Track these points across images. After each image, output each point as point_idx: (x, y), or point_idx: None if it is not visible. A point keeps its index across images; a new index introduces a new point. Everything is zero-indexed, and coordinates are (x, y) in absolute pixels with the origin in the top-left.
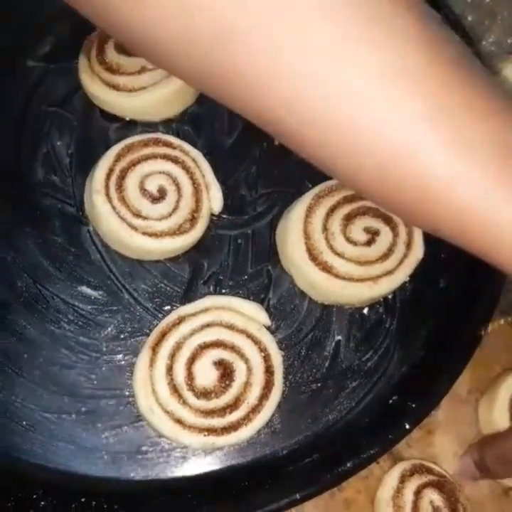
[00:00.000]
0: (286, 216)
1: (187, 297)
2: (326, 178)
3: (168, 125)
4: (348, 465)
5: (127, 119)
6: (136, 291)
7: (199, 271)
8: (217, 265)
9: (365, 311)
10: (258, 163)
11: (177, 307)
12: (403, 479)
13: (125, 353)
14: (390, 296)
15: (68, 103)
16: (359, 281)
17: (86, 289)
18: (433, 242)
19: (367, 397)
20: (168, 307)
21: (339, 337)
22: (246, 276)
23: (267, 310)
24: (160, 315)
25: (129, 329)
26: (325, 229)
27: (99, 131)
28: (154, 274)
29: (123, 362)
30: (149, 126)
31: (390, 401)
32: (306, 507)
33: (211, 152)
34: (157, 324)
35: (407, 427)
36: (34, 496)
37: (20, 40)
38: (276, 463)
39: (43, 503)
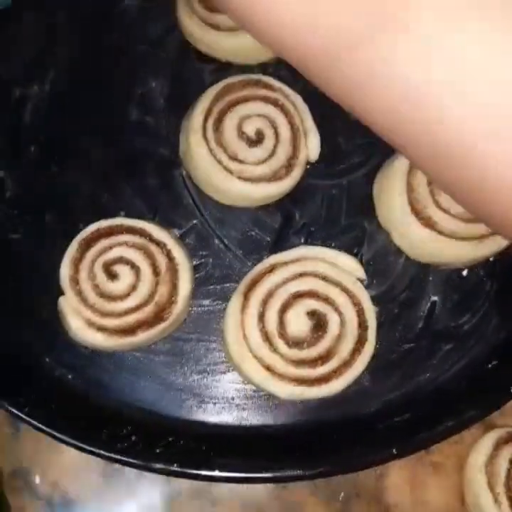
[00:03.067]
0: (387, 166)
1: (277, 247)
2: None
3: (265, 69)
4: (447, 424)
5: (223, 60)
6: (226, 238)
7: (290, 221)
8: (309, 216)
9: (464, 272)
10: None
11: (267, 256)
12: (498, 446)
13: (214, 299)
14: (491, 259)
15: (164, 43)
16: (464, 240)
17: (177, 232)
18: None
19: (462, 361)
20: (257, 255)
21: (435, 297)
22: (339, 229)
23: (361, 265)
24: (249, 263)
25: (218, 275)
26: (431, 182)
27: (193, 71)
28: (245, 222)
29: (212, 307)
30: (245, 70)
31: (488, 365)
32: (391, 468)
33: (309, 97)
34: (246, 272)
35: (511, 391)
36: (124, 431)
37: None
38: (367, 419)
39: (133, 437)
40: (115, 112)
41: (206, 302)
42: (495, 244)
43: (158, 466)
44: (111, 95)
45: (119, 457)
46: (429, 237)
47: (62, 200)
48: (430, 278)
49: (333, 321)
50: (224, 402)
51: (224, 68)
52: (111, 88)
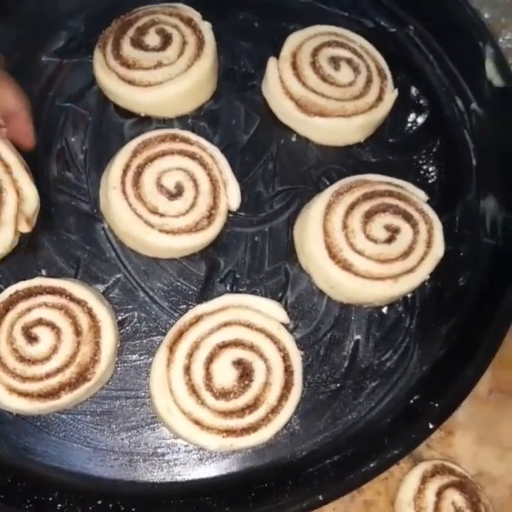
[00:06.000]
0: (304, 213)
1: (204, 296)
2: (344, 176)
3: (184, 121)
4: (372, 465)
5: (142, 114)
6: (151, 290)
7: (216, 269)
8: (234, 263)
9: (385, 310)
10: (275, 160)
11: (194, 306)
12: (425, 480)
13: (141, 353)
14: (409, 295)
15: (82, 98)
16: (379, 280)
17: (100, 287)
18: (451, 240)
19: (387, 397)
20: (184, 306)
21: (358, 336)
22: (263, 275)
23: (285, 309)
24: (176, 314)
25: (144, 328)
26: (345, 226)
27: (113, 126)
28: (170, 273)
29: (139, 362)
30: (164, 123)
31: (411, 401)
32: (325, 510)
33: (227, 148)
34: (173, 323)
35: (431, 426)
36: (50, 499)
37: (34, 35)
38: (296, 464)
39: (59, 505)
40: (35, 166)
41: (133, 357)
42: (410, 283)
43: None
44: (33, 150)
45: None
46: (346, 278)
47: None
48: (353, 317)
49: (259, 368)
50: (155, 458)
51: (143, 122)
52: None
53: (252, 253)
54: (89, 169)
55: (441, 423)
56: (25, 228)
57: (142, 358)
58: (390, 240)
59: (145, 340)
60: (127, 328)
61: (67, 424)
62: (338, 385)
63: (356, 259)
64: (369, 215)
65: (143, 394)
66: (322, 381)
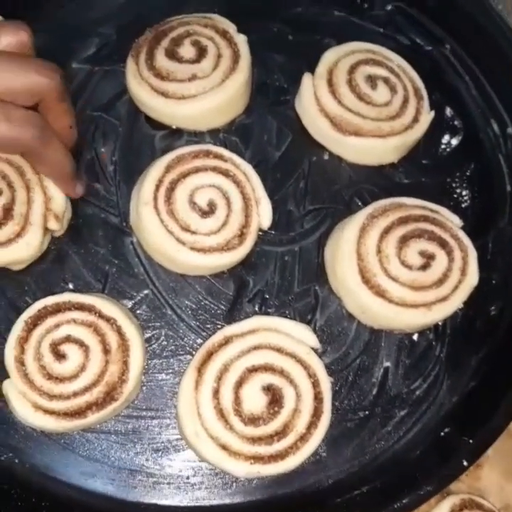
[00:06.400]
0: (337, 234)
1: (231, 315)
2: (377, 197)
3: (215, 135)
4: (404, 502)
5: (174, 127)
6: (179, 308)
7: (244, 288)
8: (263, 283)
9: (415, 336)
10: (307, 178)
11: (221, 325)
12: None
13: (167, 372)
14: (440, 323)
15: (113, 108)
16: (413, 307)
17: (128, 303)
18: (484, 267)
19: (415, 427)
20: (211, 325)
21: (388, 363)
22: (292, 296)
23: (314, 332)
24: (204, 333)
25: (172, 347)
26: (379, 251)
27: (144, 138)
28: (198, 291)
29: (165, 381)
30: (195, 136)
31: (442, 433)
32: None
33: (259, 164)
34: (201, 343)
35: (465, 463)
36: None
37: (64, 41)
38: (323, 493)
39: None
40: None
41: (159, 376)
42: (443, 311)
43: None
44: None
45: None
46: (380, 305)
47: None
48: (383, 343)
49: (288, 395)
50: (179, 481)
51: (174, 135)
52: None
53: (281, 273)
54: (119, 181)
55: (476, 460)
56: (54, 225)
57: (169, 377)
58: (424, 267)
59: (172, 360)
60: (154, 346)
61: (91, 443)
62: (367, 412)
63: (390, 286)
64: (404, 241)
65: (168, 414)
66: (350, 408)
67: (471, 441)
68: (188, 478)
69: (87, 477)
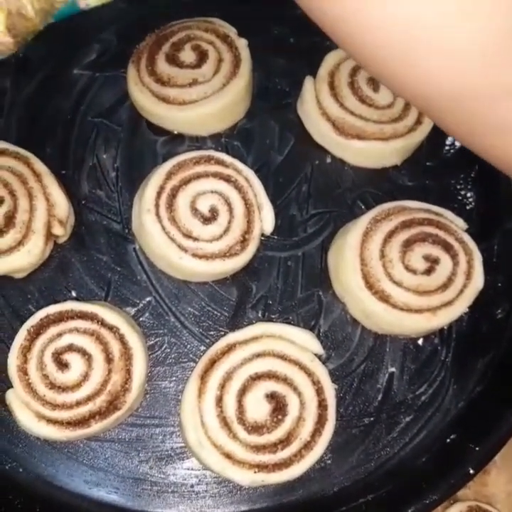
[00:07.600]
0: (340, 239)
1: (234, 322)
2: (380, 200)
3: (217, 140)
4: (410, 511)
5: (175, 132)
6: (182, 315)
7: (247, 294)
8: (266, 289)
9: (420, 341)
10: (309, 182)
11: (224, 332)
12: None
13: (170, 380)
14: (445, 327)
15: (114, 114)
16: (417, 313)
17: (130, 310)
18: (489, 270)
19: (421, 433)
20: (214, 332)
21: (393, 369)
22: (296, 301)
23: (317, 338)
24: (207, 340)
25: (175, 354)
26: (383, 256)
27: (146, 144)
28: (201, 297)
29: (169, 389)
30: (197, 141)
31: (448, 440)
32: None
33: (261, 169)
34: (204, 350)
35: (472, 471)
36: None
37: (65, 47)
38: (328, 501)
39: None
40: (66, 184)
41: (163, 384)
42: (448, 316)
43: None
44: (61, 167)
45: None
46: (384, 310)
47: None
48: (387, 349)
49: (292, 402)
50: (183, 490)
51: (176, 140)
52: (61, 159)
53: (284, 279)
54: (121, 188)
55: (482, 468)
56: (59, 230)
57: (172, 384)
58: (429, 271)
59: (175, 367)
60: (157, 353)
61: (95, 452)
62: (372, 419)
63: (394, 291)
64: (408, 245)
65: (172, 422)
66: (355, 414)
67: (477, 448)
68: (192, 486)
69: (91, 486)
